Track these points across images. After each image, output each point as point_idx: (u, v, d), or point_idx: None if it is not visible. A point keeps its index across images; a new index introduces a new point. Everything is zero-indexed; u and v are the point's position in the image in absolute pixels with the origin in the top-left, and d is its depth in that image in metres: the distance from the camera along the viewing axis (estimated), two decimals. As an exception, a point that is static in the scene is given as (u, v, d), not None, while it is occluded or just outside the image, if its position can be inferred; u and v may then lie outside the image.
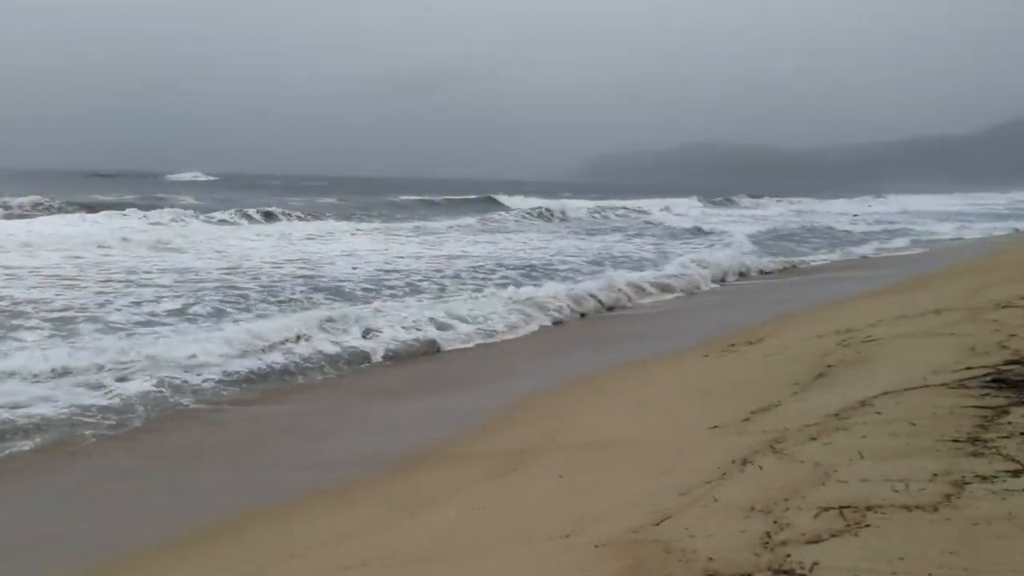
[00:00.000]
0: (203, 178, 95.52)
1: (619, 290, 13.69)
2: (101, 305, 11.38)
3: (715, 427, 5.56)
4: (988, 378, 5.47)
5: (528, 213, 39.36)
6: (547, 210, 40.54)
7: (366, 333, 9.93)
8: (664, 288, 14.78)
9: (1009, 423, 4.14)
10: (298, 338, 9.24)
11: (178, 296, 12.37)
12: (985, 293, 11.79)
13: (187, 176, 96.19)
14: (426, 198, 52.39)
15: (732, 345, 9.71)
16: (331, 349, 9.29)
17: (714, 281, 16.23)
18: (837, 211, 52.11)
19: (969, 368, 5.98)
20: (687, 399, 7.07)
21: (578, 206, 44.75)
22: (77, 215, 27.91)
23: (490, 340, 10.65)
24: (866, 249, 24.41)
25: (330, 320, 9.90)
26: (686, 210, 48.64)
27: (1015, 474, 3.31)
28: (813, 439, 4.23)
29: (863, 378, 6.41)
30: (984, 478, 3.29)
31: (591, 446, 5.73)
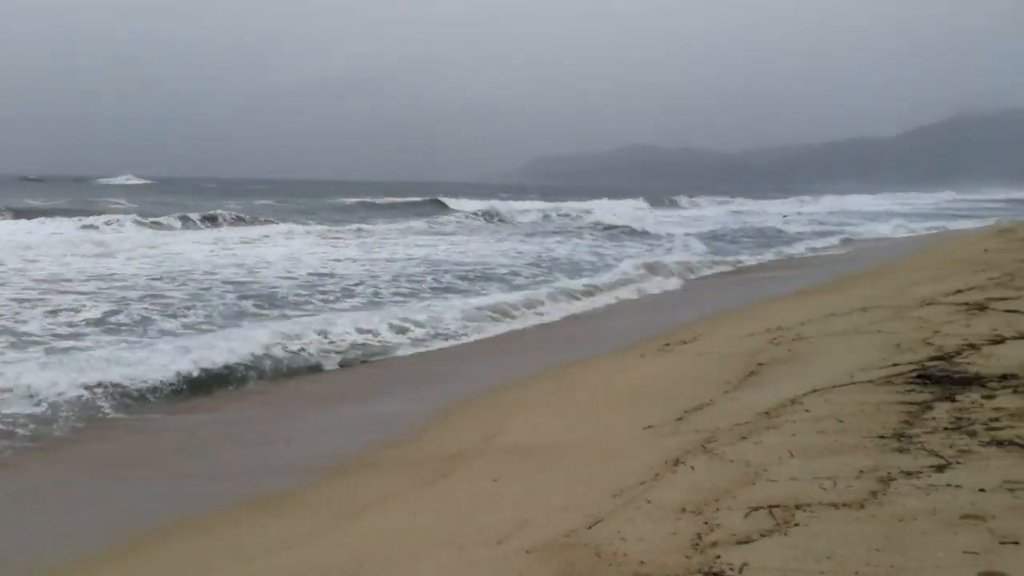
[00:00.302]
0: (137, 182, 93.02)
1: (567, 296, 13.73)
2: (17, 313, 10.94)
3: (649, 427, 5.58)
4: (913, 374, 5.59)
5: (473, 214, 38.95)
6: (493, 212, 40.12)
7: (319, 333, 9.81)
8: (609, 292, 14.83)
9: (933, 418, 4.23)
10: (254, 357, 8.92)
11: (96, 304, 11.82)
12: (911, 291, 12.09)
13: (121, 180, 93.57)
14: (368, 200, 51.88)
15: (667, 344, 9.79)
16: (280, 354, 9.08)
17: (666, 282, 16.38)
18: (774, 211, 53.23)
19: (895, 365, 6.11)
20: (622, 399, 7.09)
21: (524, 208, 44.63)
22: (7, 220, 27.02)
23: (444, 345, 10.55)
24: (798, 248, 24.91)
25: (283, 337, 9.58)
26: (632, 211, 48.91)
27: (939, 469, 3.37)
28: (744, 438, 4.26)
29: (793, 376, 6.51)
30: (909, 474, 3.35)
31: (526, 449, 5.69)
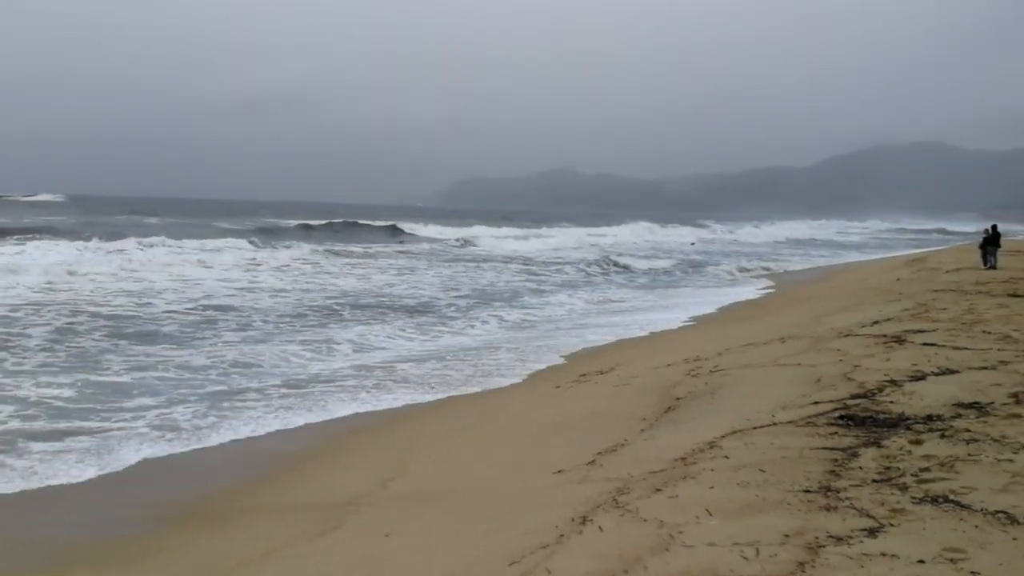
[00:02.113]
0: (52, 199, 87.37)
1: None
2: None
3: (559, 472, 5.16)
4: (836, 414, 5.30)
5: (451, 243, 36.07)
6: (462, 239, 37.18)
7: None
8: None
9: (860, 467, 3.90)
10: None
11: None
12: (827, 320, 12.01)
13: (42, 197, 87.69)
14: (310, 223, 48.18)
15: (583, 375, 9.42)
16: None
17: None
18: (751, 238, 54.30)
19: (816, 403, 5.82)
20: (533, 437, 6.66)
21: (501, 235, 42.77)
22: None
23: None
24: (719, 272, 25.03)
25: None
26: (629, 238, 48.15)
27: (871, 533, 3.02)
28: (658, 490, 3.85)
29: (711, 413, 6.17)
30: (839, 539, 2.98)
31: (426, 496, 5.20)
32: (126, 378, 9.05)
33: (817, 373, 7.24)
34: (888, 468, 3.84)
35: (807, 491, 3.57)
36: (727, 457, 4.35)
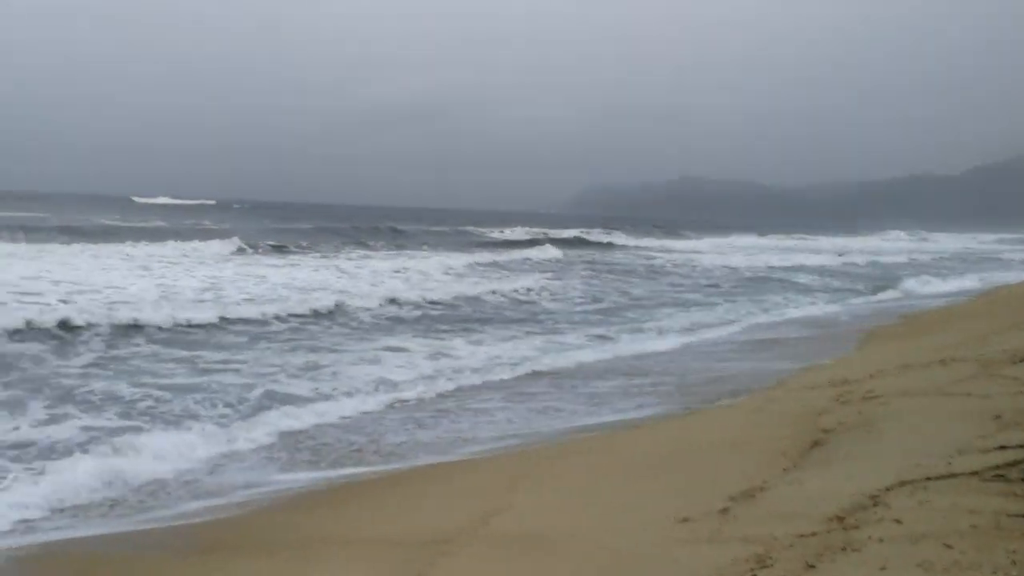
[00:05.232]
0: (173, 202, 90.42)
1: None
2: None
3: (685, 520, 4.38)
4: (1032, 465, 4.31)
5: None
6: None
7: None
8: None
9: (1085, 550, 2.96)
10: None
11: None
12: (993, 340, 10.63)
13: (159, 200, 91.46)
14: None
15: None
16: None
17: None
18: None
19: (1002, 448, 4.81)
20: (656, 468, 5.86)
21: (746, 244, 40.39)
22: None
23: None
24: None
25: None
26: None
27: None
28: (812, 567, 3.03)
29: (869, 453, 5.23)
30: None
31: (529, 541, 4.50)
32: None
33: (995, 407, 6.13)
34: None
35: (1018, 584, 2.68)
36: (898, 521, 3.47)
